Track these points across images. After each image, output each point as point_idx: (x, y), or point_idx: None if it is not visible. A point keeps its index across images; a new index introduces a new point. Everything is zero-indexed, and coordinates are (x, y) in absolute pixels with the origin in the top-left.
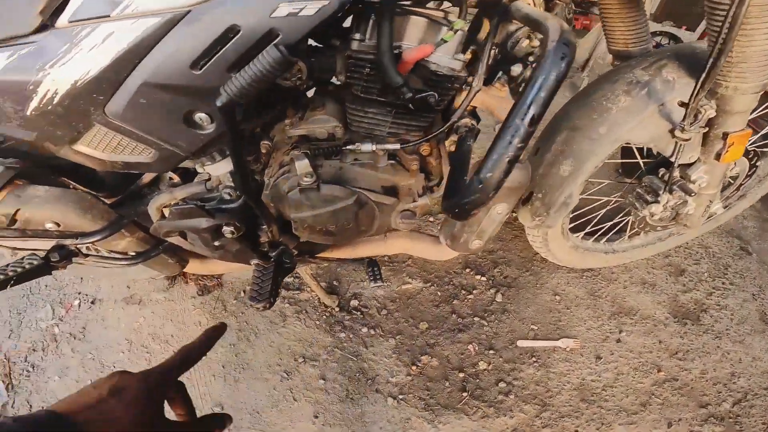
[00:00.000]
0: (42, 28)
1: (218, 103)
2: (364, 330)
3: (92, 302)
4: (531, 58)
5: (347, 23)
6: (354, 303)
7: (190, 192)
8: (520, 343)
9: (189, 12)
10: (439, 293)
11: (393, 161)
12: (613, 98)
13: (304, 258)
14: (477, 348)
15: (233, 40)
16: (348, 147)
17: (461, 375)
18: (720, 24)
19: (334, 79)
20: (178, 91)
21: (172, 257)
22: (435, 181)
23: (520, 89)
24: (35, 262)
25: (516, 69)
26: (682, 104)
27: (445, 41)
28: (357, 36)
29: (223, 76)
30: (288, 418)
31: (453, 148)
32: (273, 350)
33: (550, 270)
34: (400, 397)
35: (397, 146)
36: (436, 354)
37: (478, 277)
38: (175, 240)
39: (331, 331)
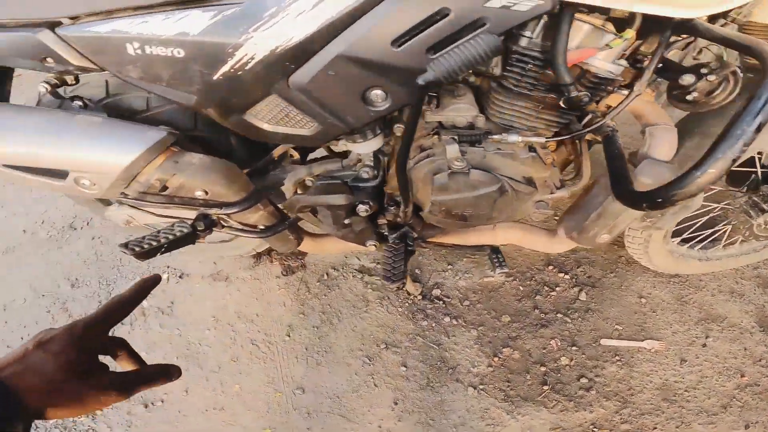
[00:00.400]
0: None
1: (421, 81)
2: (447, 319)
3: (180, 276)
4: (704, 70)
5: None
6: (436, 292)
7: (327, 168)
8: (604, 341)
9: None
10: (521, 288)
11: (533, 153)
12: None
13: (419, 242)
14: (559, 344)
15: (440, 22)
16: (494, 136)
17: (542, 369)
18: None
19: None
20: (371, 66)
21: (293, 233)
22: (570, 175)
23: (698, 97)
24: (185, 230)
25: (688, 78)
26: None
27: (610, 47)
28: (526, 33)
29: (420, 56)
30: (367, 404)
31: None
32: (355, 335)
33: (635, 273)
34: (481, 387)
35: (542, 139)
36: (517, 347)
37: (561, 275)
38: (305, 216)
39: (414, 319)
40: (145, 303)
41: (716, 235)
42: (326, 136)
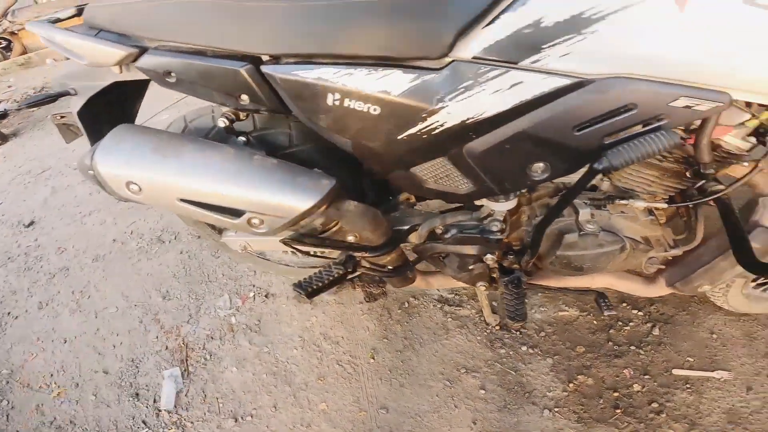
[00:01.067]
0: (442, 56)
1: (598, 166)
2: (524, 348)
3: (266, 296)
4: None
5: None
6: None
7: (457, 220)
8: (676, 371)
9: (594, 81)
10: (595, 322)
11: (652, 216)
12: None
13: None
14: (632, 372)
15: (624, 115)
16: (621, 201)
17: (615, 394)
18: None
19: None
20: (547, 144)
21: (411, 273)
22: (681, 236)
23: None
24: (340, 271)
25: None
26: None
27: (746, 126)
28: None
29: (595, 141)
30: (447, 423)
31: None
32: (437, 359)
33: (706, 311)
34: (555, 409)
35: (665, 205)
36: (591, 375)
37: (635, 311)
38: (431, 260)
39: (492, 347)
40: (233, 319)
41: None
42: (476, 196)
